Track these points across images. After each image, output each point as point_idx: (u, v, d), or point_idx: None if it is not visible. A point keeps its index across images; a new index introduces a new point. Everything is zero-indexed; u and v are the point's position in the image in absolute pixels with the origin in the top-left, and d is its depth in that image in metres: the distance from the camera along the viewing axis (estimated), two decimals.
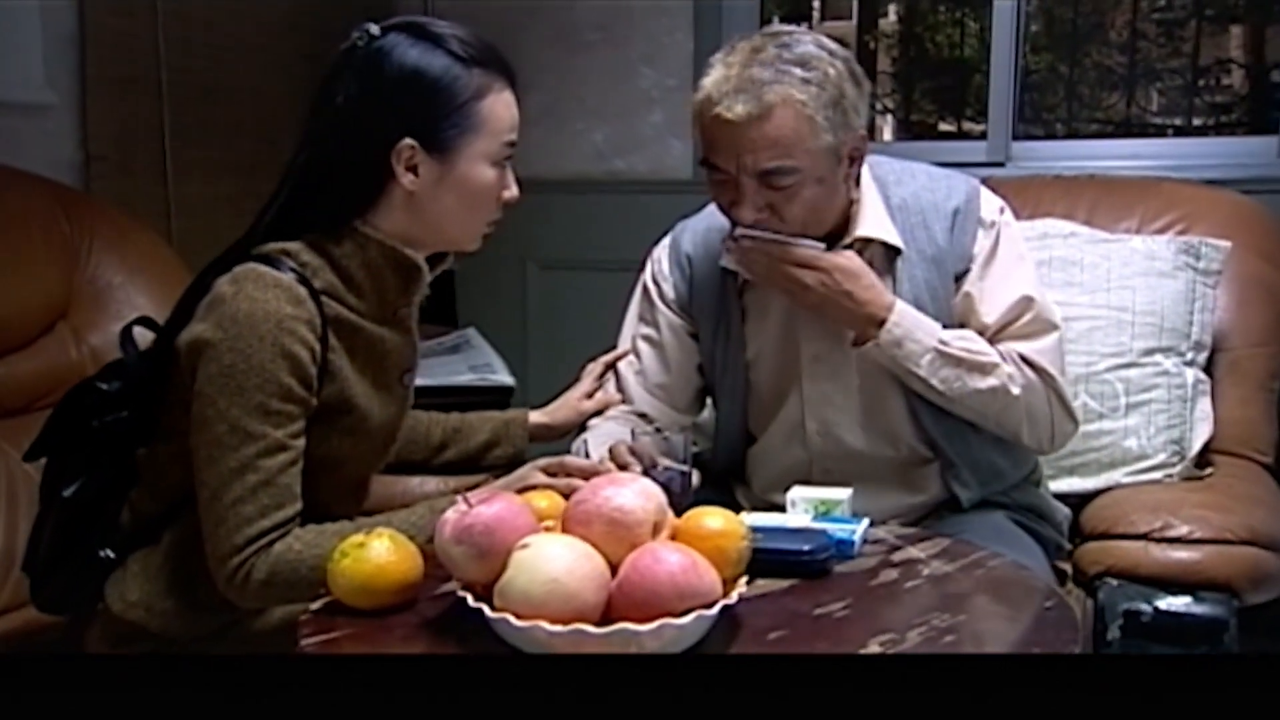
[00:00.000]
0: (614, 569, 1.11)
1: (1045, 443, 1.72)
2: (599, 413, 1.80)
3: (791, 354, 1.73)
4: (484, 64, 1.41)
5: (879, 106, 5.45)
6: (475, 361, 2.48)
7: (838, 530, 1.36)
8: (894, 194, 1.71)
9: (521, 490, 1.40)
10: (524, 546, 1.09)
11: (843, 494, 1.47)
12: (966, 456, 1.73)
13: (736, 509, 1.75)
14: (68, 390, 1.48)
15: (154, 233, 2.21)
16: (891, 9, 5.62)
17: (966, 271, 1.69)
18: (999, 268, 1.69)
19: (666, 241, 1.87)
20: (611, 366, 1.83)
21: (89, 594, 1.47)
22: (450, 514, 1.15)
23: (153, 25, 2.45)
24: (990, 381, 1.63)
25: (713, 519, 1.18)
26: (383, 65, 1.38)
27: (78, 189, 2.28)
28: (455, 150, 1.40)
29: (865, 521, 1.42)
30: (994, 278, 1.68)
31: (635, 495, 1.14)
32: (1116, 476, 2.00)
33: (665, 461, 1.49)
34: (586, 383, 1.83)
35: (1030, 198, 2.33)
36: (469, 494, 1.18)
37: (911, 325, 1.61)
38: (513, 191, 1.48)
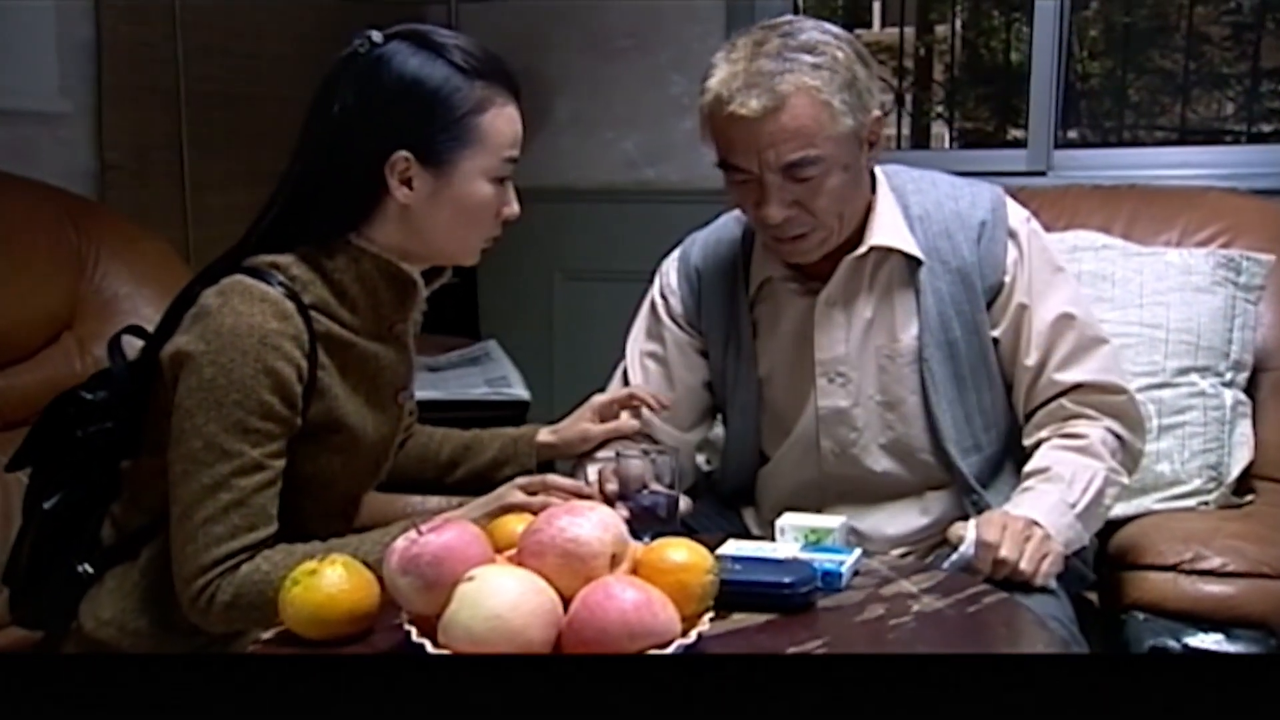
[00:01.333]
0: (569, 604, 1.05)
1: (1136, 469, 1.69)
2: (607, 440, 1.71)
3: (806, 370, 1.66)
4: (486, 76, 1.36)
5: (935, 114, 5.36)
6: (492, 375, 2.44)
7: (825, 561, 1.29)
8: (913, 203, 1.64)
9: (499, 510, 1.35)
10: (469, 579, 1.03)
11: (834, 522, 1.39)
12: (986, 479, 1.65)
13: (744, 532, 1.71)
14: (52, 399, 1.45)
15: (164, 242, 2.18)
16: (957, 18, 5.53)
17: (1000, 284, 1.61)
18: (1038, 281, 1.62)
19: (675, 254, 1.80)
20: (622, 405, 1.70)
21: (67, 610, 1.44)
22: (400, 542, 1.10)
23: (171, 34, 2.44)
24: (1111, 491, 1.59)
25: (676, 551, 1.11)
26: (380, 74, 1.34)
27: (90, 198, 2.27)
28: (451, 164, 1.35)
29: (857, 552, 1.34)
30: (1035, 292, 1.61)
31: (592, 526, 1.08)
32: (1148, 503, 1.90)
33: (654, 485, 1.43)
34: (593, 407, 1.71)
35: (1066, 208, 2.23)
36: (442, 516, 1.13)
37: (1054, 521, 1.49)
38: (512, 209, 1.43)
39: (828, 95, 1.47)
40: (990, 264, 1.61)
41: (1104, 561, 1.80)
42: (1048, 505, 1.50)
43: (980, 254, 1.61)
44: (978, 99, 5.05)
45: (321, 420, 1.37)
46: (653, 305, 1.79)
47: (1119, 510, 1.88)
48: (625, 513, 1.42)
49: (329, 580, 1.15)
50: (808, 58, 1.47)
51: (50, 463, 1.44)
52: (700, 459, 1.94)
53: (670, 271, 1.78)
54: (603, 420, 1.66)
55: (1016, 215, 1.65)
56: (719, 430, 1.84)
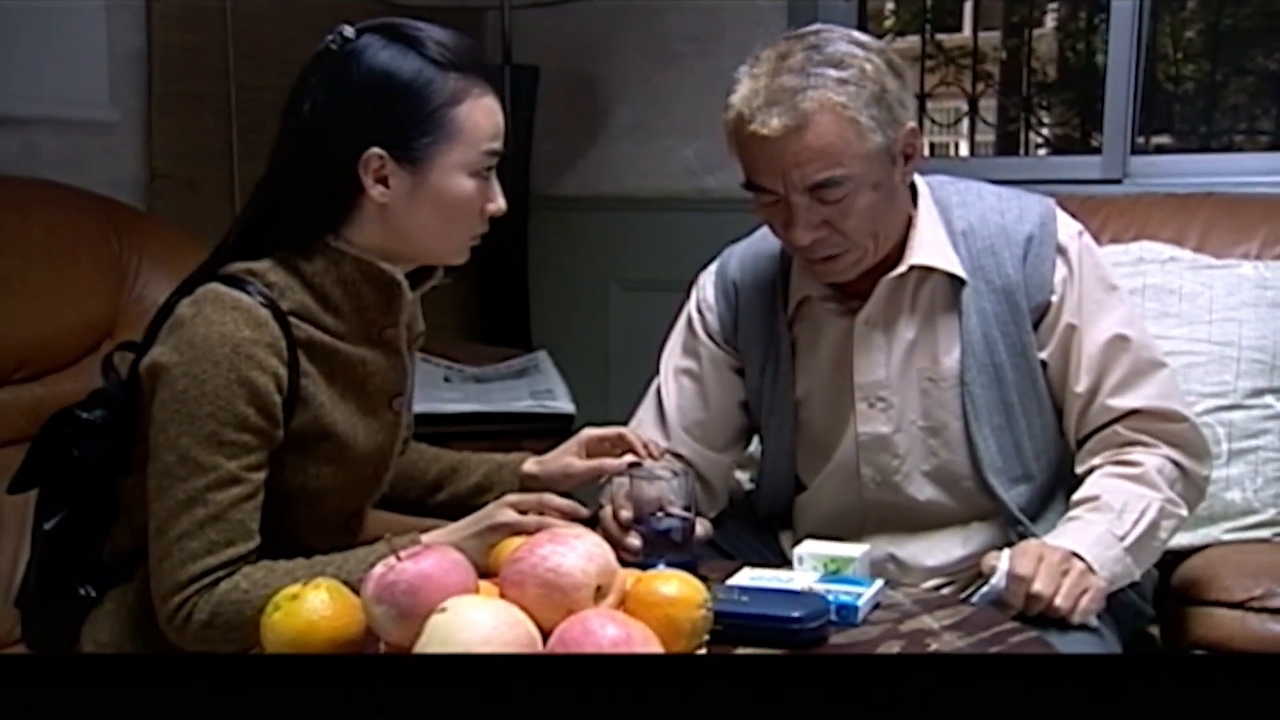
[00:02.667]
0: (550, 637, 0.99)
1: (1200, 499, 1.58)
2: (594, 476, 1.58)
3: (845, 394, 1.58)
4: (461, 68, 1.31)
5: (1022, 119, 5.21)
6: (538, 387, 2.40)
7: (842, 593, 1.21)
8: (957, 218, 1.55)
9: (487, 530, 1.29)
10: (442, 610, 0.98)
11: (855, 551, 1.31)
12: (1035, 510, 1.56)
13: (781, 558, 1.64)
14: (49, 418, 1.43)
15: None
16: (1049, 19, 5.38)
17: (1047, 304, 1.52)
18: (1088, 301, 1.52)
19: (713, 267, 1.73)
20: (613, 444, 1.53)
21: (71, 633, 1.42)
22: (379, 568, 1.05)
23: (222, 41, 2.44)
24: (1168, 523, 1.48)
25: (666, 584, 1.04)
26: (351, 69, 1.29)
27: (138, 207, 2.27)
28: (428, 160, 1.30)
29: (878, 584, 1.26)
30: (1086, 312, 1.52)
31: (576, 556, 1.02)
32: (1215, 533, 1.78)
33: (671, 509, 1.37)
34: (581, 441, 1.57)
35: (1136, 218, 2.12)
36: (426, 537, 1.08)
37: (1099, 554, 1.40)
38: (497, 204, 1.37)
39: (854, 111, 1.39)
40: (1036, 282, 1.52)
41: (1166, 596, 1.69)
42: (1093, 536, 1.40)
43: (1026, 271, 1.52)
44: (1064, 104, 4.90)
45: (307, 429, 1.33)
46: (689, 320, 1.72)
47: (1184, 540, 1.78)
48: (638, 538, 1.37)
49: (310, 606, 1.10)
50: (833, 72, 1.39)
51: (51, 483, 1.41)
52: (743, 477, 1.87)
53: (707, 285, 1.72)
54: (590, 455, 1.52)
55: (1067, 229, 1.55)
56: (755, 446, 1.77)
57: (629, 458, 1.43)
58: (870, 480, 1.59)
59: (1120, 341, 1.51)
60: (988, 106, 4.64)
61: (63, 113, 2.21)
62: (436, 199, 1.32)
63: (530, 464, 1.58)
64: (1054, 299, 1.52)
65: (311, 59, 1.33)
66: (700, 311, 1.70)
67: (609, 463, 1.45)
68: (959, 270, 1.51)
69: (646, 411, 1.73)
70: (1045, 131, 4.90)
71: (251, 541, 1.28)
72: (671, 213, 2.94)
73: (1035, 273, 1.52)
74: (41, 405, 1.90)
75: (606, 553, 1.04)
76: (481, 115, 1.32)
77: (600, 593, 1.02)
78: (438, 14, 2.88)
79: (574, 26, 2.98)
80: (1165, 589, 1.69)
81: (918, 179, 1.57)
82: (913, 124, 1.46)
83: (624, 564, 1.33)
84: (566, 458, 1.53)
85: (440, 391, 2.36)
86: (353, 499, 1.44)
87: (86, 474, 1.40)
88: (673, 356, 1.73)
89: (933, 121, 3.38)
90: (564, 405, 2.31)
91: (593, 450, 1.51)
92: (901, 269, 1.51)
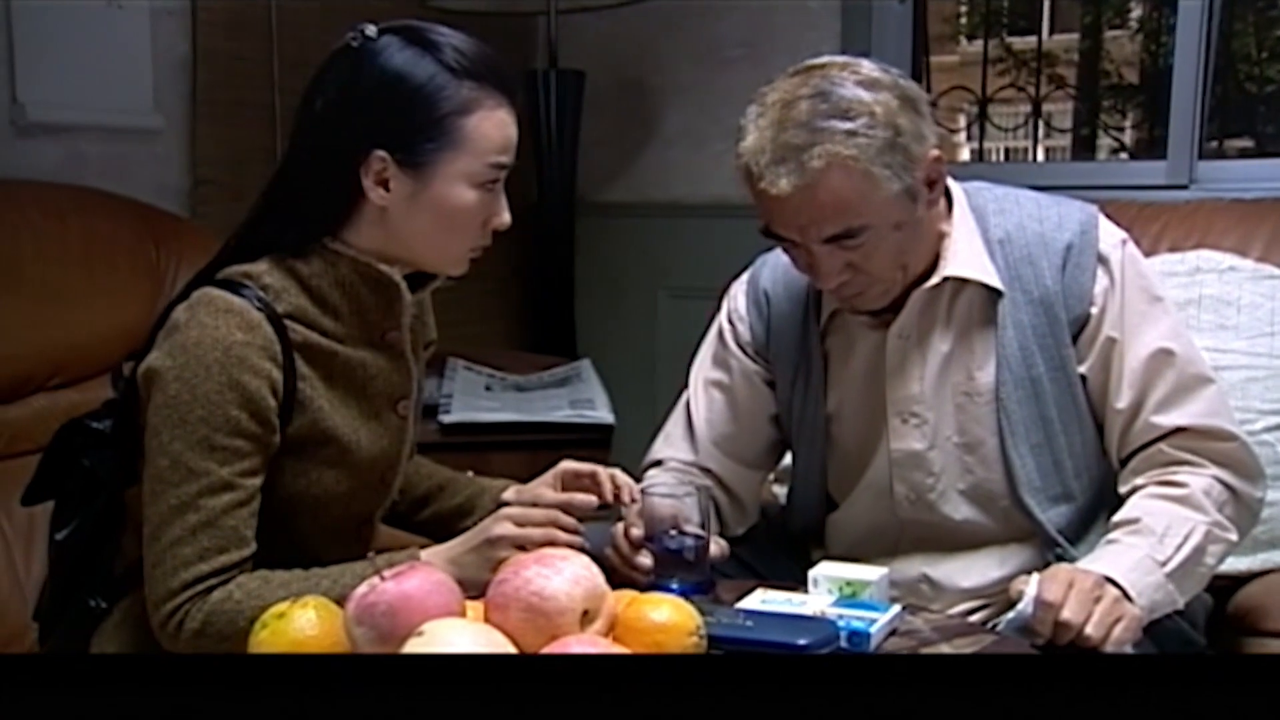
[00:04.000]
0: None
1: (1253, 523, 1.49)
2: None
3: (877, 409, 1.52)
4: (477, 77, 1.28)
5: (1101, 124, 5.07)
6: (578, 396, 2.35)
7: (855, 619, 1.16)
8: (994, 226, 1.49)
9: (484, 544, 1.26)
10: (419, 634, 0.94)
11: (873, 574, 1.26)
12: (1075, 531, 1.49)
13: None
14: (59, 428, 1.42)
15: None
16: (1133, 18, 5.24)
17: (1087, 316, 1.45)
18: (1131, 313, 1.45)
19: (745, 277, 1.69)
20: (593, 480, 1.45)
21: (83, 646, 1.41)
22: (362, 587, 1.01)
23: (267, 48, 2.44)
24: (1215, 549, 1.40)
25: (656, 610, 1.00)
26: (364, 69, 1.27)
27: (181, 214, 2.28)
28: (430, 167, 1.27)
29: (894, 609, 1.20)
30: (1128, 325, 1.45)
31: (562, 579, 0.97)
32: (1276, 558, 1.69)
33: (686, 527, 1.32)
34: (558, 473, 1.50)
35: (1197, 225, 2.03)
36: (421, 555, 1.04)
37: (1137, 580, 1.32)
38: (501, 219, 1.34)
39: (865, 163, 1.32)
40: (1076, 293, 1.45)
41: (1222, 624, 1.60)
42: (1130, 562, 1.33)
43: (1065, 282, 1.45)
44: (1140, 107, 4.76)
45: (307, 434, 1.30)
46: (719, 331, 1.68)
47: (1241, 565, 1.69)
48: (648, 557, 1.32)
49: (296, 625, 1.07)
50: (840, 124, 1.32)
51: (61, 493, 1.41)
52: (780, 491, 1.82)
53: (739, 295, 1.67)
54: (565, 489, 1.45)
55: (1109, 238, 1.48)
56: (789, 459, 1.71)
57: (583, 497, 1.37)
58: (904, 498, 1.53)
59: (1164, 356, 1.43)
60: (1064, 110, 4.52)
61: (108, 120, 2.23)
62: (436, 207, 1.29)
63: (509, 492, 1.53)
64: (1094, 310, 1.45)
65: (330, 55, 1.31)
66: (731, 322, 1.66)
67: (577, 498, 1.37)
68: (995, 281, 1.45)
69: (675, 424, 1.69)
70: (1120, 135, 4.77)
71: (246, 549, 1.25)
72: (721, 220, 2.88)
73: (1074, 283, 1.45)
74: (77, 411, 1.89)
75: (595, 575, 1.00)
76: (491, 127, 1.29)
77: (587, 617, 0.98)
78: (485, 19, 2.88)
79: (625, 31, 2.95)
80: (1220, 617, 1.60)
81: (954, 186, 1.51)
82: (935, 153, 1.39)
83: (634, 585, 1.31)
84: (541, 488, 1.47)
85: (479, 400, 2.33)
86: (360, 506, 1.41)
87: (97, 484, 1.39)
88: (703, 368, 1.69)
89: (995, 126, 3.28)
90: (603, 415, 2.26)
91: (568, 484, 1.44)
92: (935, 280, 1.45)
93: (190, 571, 1.23)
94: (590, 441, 2.27)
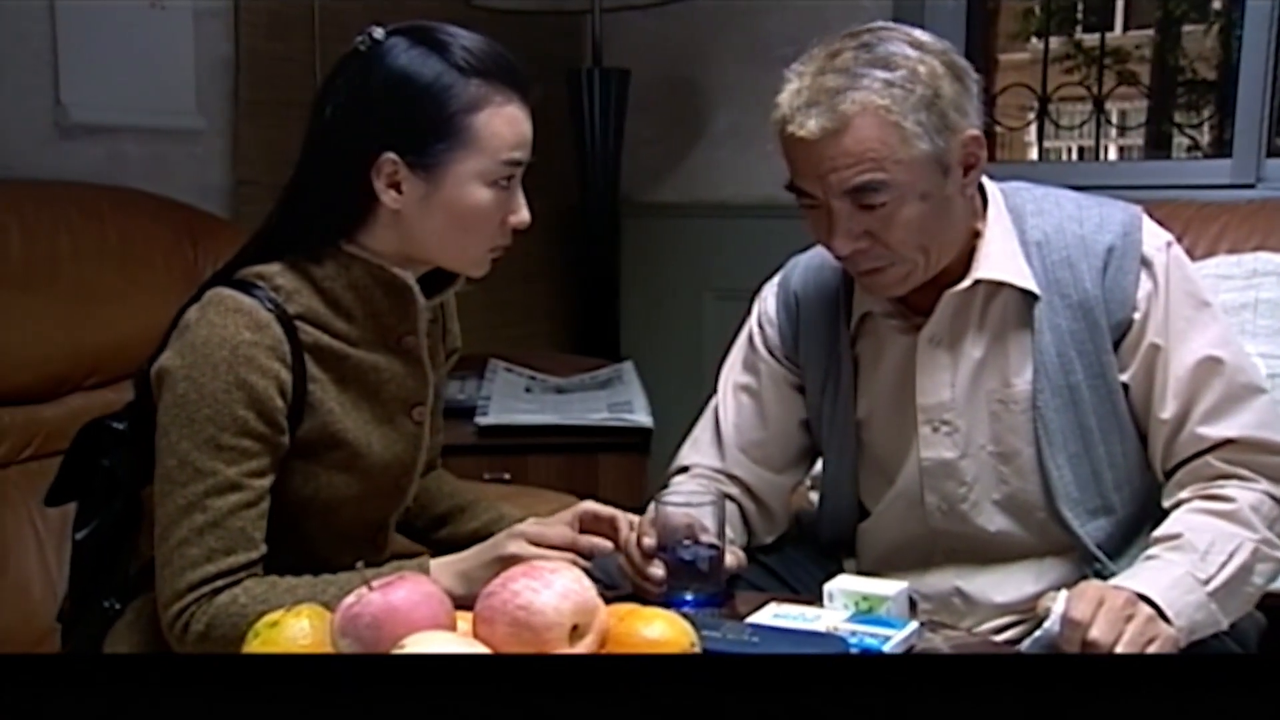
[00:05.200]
0: None
1: None
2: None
3: (908, 416, 1.47)
4: (485, 74, 1.26)
5: (1175, 122, 4.94)
6: (617, 399, 2.32)
7: (868, 636, 1.11)
8: (1031, 227, 1.43)
9: (494, 561, 1.23)
10: (400, 648, 0.92)
11: (890, 589, 1.21)
12: (1116, 546, 1.43)
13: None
14: (79, 429, 1.42)
15: None
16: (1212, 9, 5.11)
17: (1129, 321, 1.39)
18: (1176, 319, 1.38)
19: (776, 279, 1.64)
20: (607, 522, 1.37)
21: (98, 647, 1.41)
22: (350, 598, 0.99)
23: (310, 48, 2.44)
24: (1264, 567, 1.32)
25: (649, 625, 0.96)
26: (372, 71, 1.26)
27: (222, 215, 2.28)
28: (442, 167, 1.26)
29: (912, 626, 1.15)
30: (1173, 331, 1.38)
31: (550, 593, 0.94)
32: None
33: (702, 537, 1.29)
34: (578, 512, 1.41)
35: (1259, 226, 1.95)
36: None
37: (1175, 600, 1.25)
38: (520, 217, 1.31)
39: (898, 115, 1.28)
40: (1117, 297, 1.38)
41: (1277, 643, 1.52)
42: (1169, 579, 1.26)
43: (1106, 286, 1.38)
44: (1214, 104, 4.62)
45: (317, 436, 1.29)
46: (749, 335, 1.63)
47: None
48: (661, 567, 1.28)
49: (288, 635, 1.05)
50: (880, 73, 1.29)
51: (82, 493, 1.41)
52: (815, 497, 1.77)
53: (769, 298, 1.62)
54: (583, 530, 1.37)
55: (1153, 240, 1.41)
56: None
57: (601, 543, 1.31)
58: (935, 509, 1.48)
59: (1212, 364, 1.36)
60: (1140, 108, 4.40)
61: (150, 121, 2.24)
62: (450, 208, 1.27)
63: (528, 523, 1.48)
64: (1136, 316, 1.38)
65: (340, 59, 1.30)
66: (761, 325, 1.62)
67: (582, 540, 1.31)
68: (1030, 284, 1.39)
69: (704, 429, 1.65)
70: (1195, 134, 4.63)
71: (254, 550, 1.24)
72: (768, 220, 2.83)
73: (1116, 287, 1.39)
74: (111, 411, 1.92)
75: (586, 589, 0.96)
76: (502, 124, 1.27)
77: (577, 632, 0.94)
78: (530, 18, 2.86)
79: (673, 30, 2.91)
80: (1276, 636, 1.53)
81: (991, 186, 1.46)
82: (974, 132, 1.34)
83: (647, 598, 1.27)
84: (559, 526, 1.39)
85: (518, 402, 2.31)
86: (373, 511, 1.40)
87: (116, 484, 1.39)
88: (732, 372, 1.65)
89: (1055, 124, 3.20)
90: (640, 418, 2.22)
91: (586, 525, 1.37)
92: (966, 283, 1.40)
93: (197, 573, 1.22)
94: (627, 445, 2.24)
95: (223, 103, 2.33)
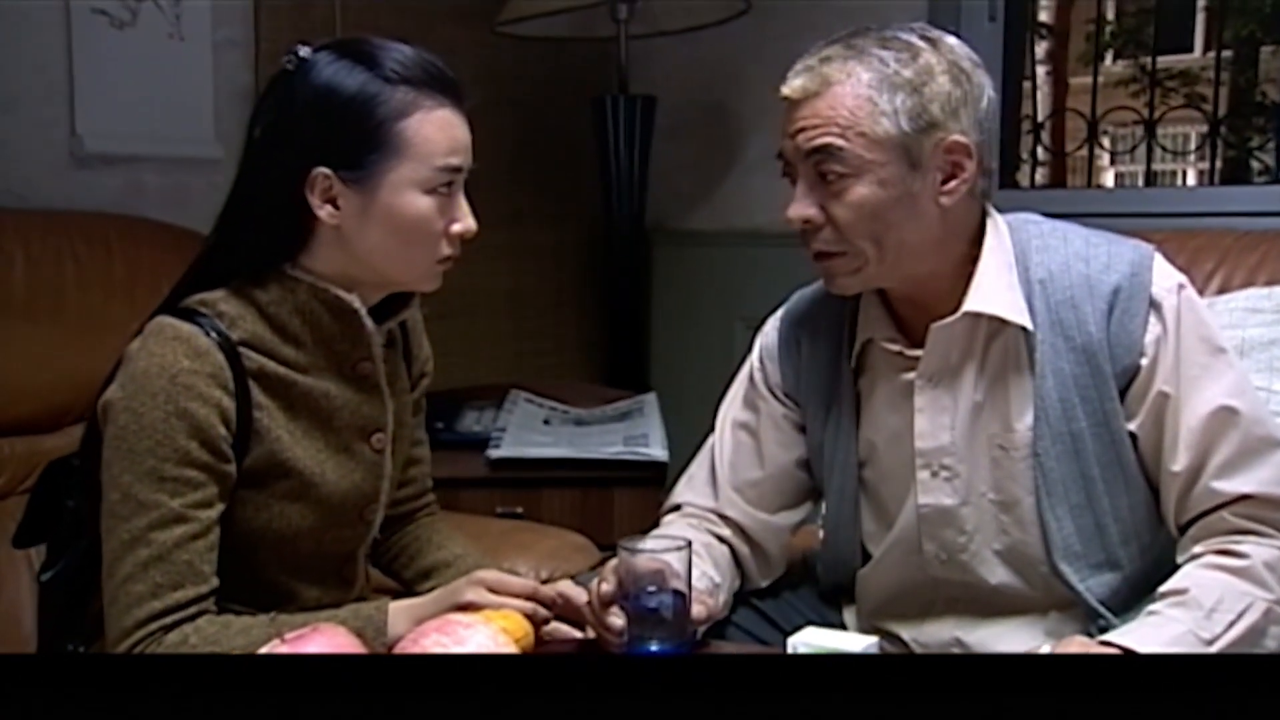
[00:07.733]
0: None
1: None
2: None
3: (906, 457, 1.41)
4: (412, 81, 1.23)
5: (1248, 147, 4.78)
6: (634, 432, 2.27)
7: None
8: (1035, 264, 1.35)
9: (452, 607, 1.18)
10: None
11: (858, 643, 1.14)
12: (1123, 602, 1.35)
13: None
14: (44, 468, 1.40)
15: None
16: None
17: (1136, 368, 1.31)
18: (1188, 365, 1.30)
19: (779, 313, 1.59)
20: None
21: None
22: (263, 650, 0.95)
23: None
24: (1277, 630, 1.24)
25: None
26: (296, 89, 1.24)
27: None
28: (376, 178, 1.23)
29: None
30: (1185, 379, 1.30)
31: (462, 649, 0.89)
32: None
33: (674, 583, 1.22)
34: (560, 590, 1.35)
35: None
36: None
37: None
38: (465, 224, 1.28)
39: (874, 91, 1.26)
40: (1123, 342, 1.30)
41: None
42: (1167, 637, 1.18)
43: (1111, 329, 1.31)
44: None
45: (265, 465, 1.26)
46: (750, 372, 1.58)
47: None
48: (620, 616, 1.22)
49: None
50: (878, 50, 1.28)
51: (48, 533, 1.39)
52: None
53: (771, 332, 1.57)
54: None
55: (1164, 282, 1.32)
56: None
57: (566, 588, 1.28)
58: (934, 556, 1.41)
59: (1227, 414, 1.27)
60: (1201, 132, 4.27)
61: (167, 150, 2.25)
62: (389, 218, 1.24)
63: (489, 571, 1.42)
64: (1144, 362, 1.30)
65: (269, 80, 1.29)
66: (762, 361, 1.57)
67: (544, 590, 1.26)
68: (1024, 319, 1.32)
69: (699, 466, 1.59)
70: (1267, 158, 4.47)
71: (203, 584, 1.21)
72: (801, 249, 2.78)
73: (1122, 331, 1.30)
74: None
75: (500, 647, 0.91)
76: (433, 129, 1.23)
77: None
78: (560, 44, 2.83)
79: (705, 55, 2.87)
80: None
81: (996, 216, 1.39)
82: (959, 138, 1.28)
83: (606, 648, 1.21)
84: (523, 579, 1.32)
85: (532, 435, 2.27)
86: (333, 544, 1.36)
87: (79, 523, 1.37)
88: (731, 408, 1.59)
89: (1104, 149, 3.09)
90: (655, 452, 2.16)
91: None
92: (955, 316, 1.33)
93: (143, 609, 1.18)
94: (642, 480, 2.19)
95: (241, 132, 2.31)
